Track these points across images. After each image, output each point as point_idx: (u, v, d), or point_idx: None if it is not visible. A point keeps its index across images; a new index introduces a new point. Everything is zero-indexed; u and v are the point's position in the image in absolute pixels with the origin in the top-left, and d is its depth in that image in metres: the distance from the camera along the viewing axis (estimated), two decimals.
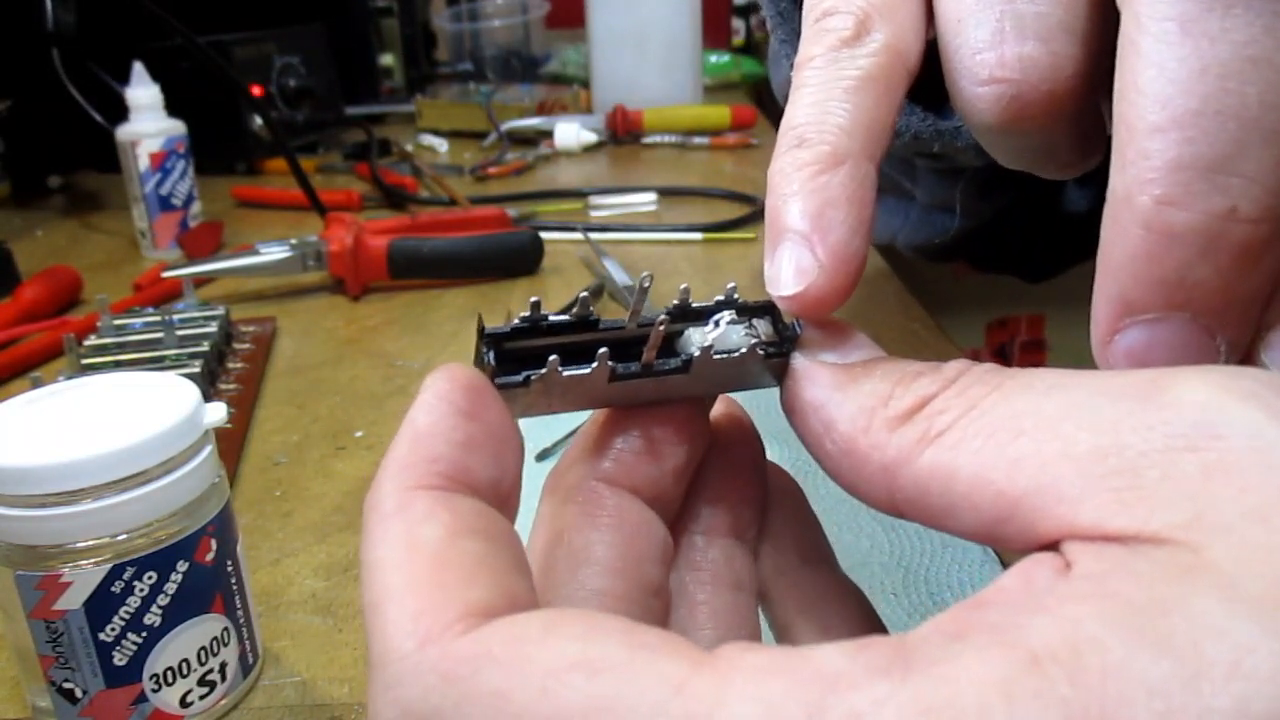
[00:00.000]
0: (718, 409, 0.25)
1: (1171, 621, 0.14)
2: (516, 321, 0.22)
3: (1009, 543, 0.18)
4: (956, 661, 0.14)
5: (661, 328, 0.21)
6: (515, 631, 0.16)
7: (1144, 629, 0.14)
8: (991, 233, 0.51)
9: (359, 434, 0.56)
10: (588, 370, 0.21)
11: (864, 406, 0.20)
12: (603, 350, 0.21)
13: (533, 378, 0.21)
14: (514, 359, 0.21)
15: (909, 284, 0.73)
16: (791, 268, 0.22)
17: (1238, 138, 0.19)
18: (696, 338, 0.23)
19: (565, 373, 0.21)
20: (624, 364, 0.22)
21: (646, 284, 0.22)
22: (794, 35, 0.36)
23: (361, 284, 0.78)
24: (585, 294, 0.23)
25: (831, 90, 0.24)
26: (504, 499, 0.19)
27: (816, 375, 0.22)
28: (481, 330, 0.21)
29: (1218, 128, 0.19)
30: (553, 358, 0.21)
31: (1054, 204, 0.50)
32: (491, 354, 0.21)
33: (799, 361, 0.22)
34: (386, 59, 1.65)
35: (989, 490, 0.18)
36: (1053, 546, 0.17)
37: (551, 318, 0.22)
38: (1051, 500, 0.17)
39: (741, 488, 0.25)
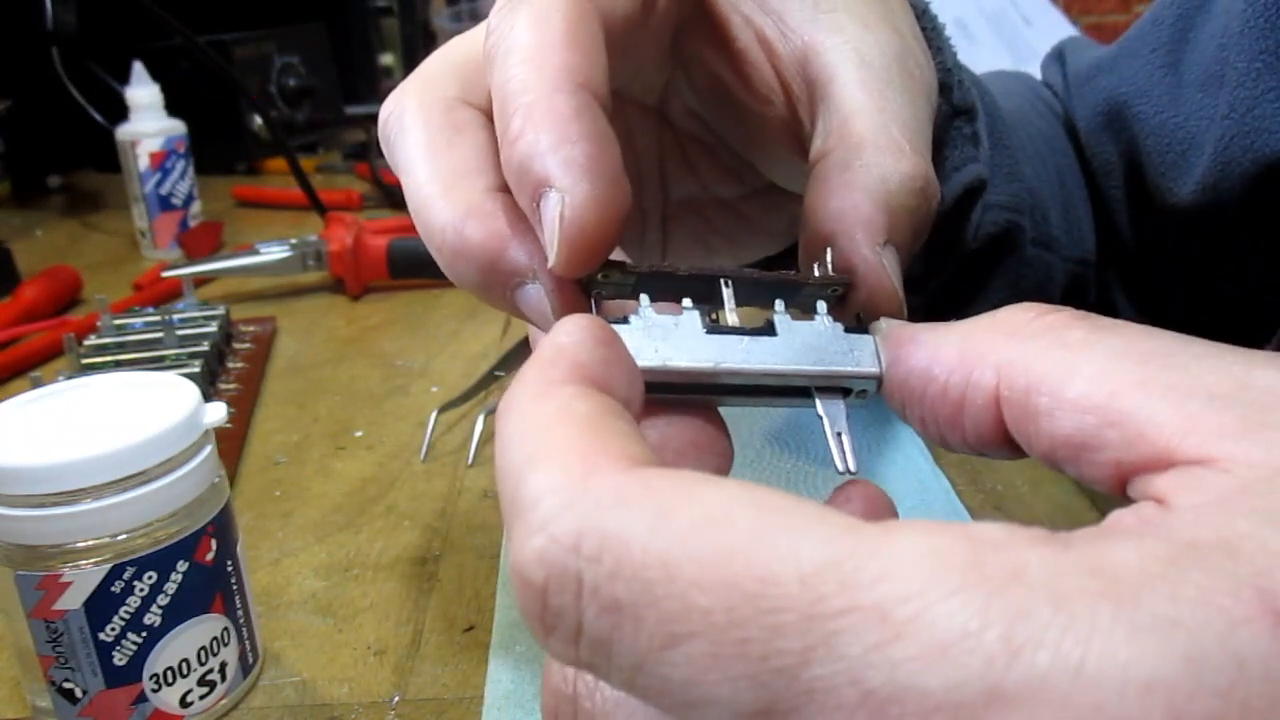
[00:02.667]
0: None
1: None
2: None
3: (1093, 455, 0.18)
4: (1115, 545, 0.15)
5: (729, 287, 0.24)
6: (681, 474, 0.16)
7: None
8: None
9: (359, 434, 0.56)
10: (679, 316, 0.23)
11: (975, 327, 0.21)
12: (687, 301, 0.23)
13: (631, 317, 0.23)
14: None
15: None
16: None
17: None
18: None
19: (658, 314, 0.23)
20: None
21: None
22: None
23: (361, 284, 0.78)
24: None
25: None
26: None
27: (909, 324, 0.23)
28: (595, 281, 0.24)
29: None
30: (644, 296, 0.23)
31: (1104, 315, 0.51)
32: (593, 300, 0.24)
33: (883, 325, 0.23)
34: (386, 59, 1.64)
35: (1101, 395, 0.18)
36: (1124, 476, 0.18)
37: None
38: (1167, 419, 0.17)
39: None
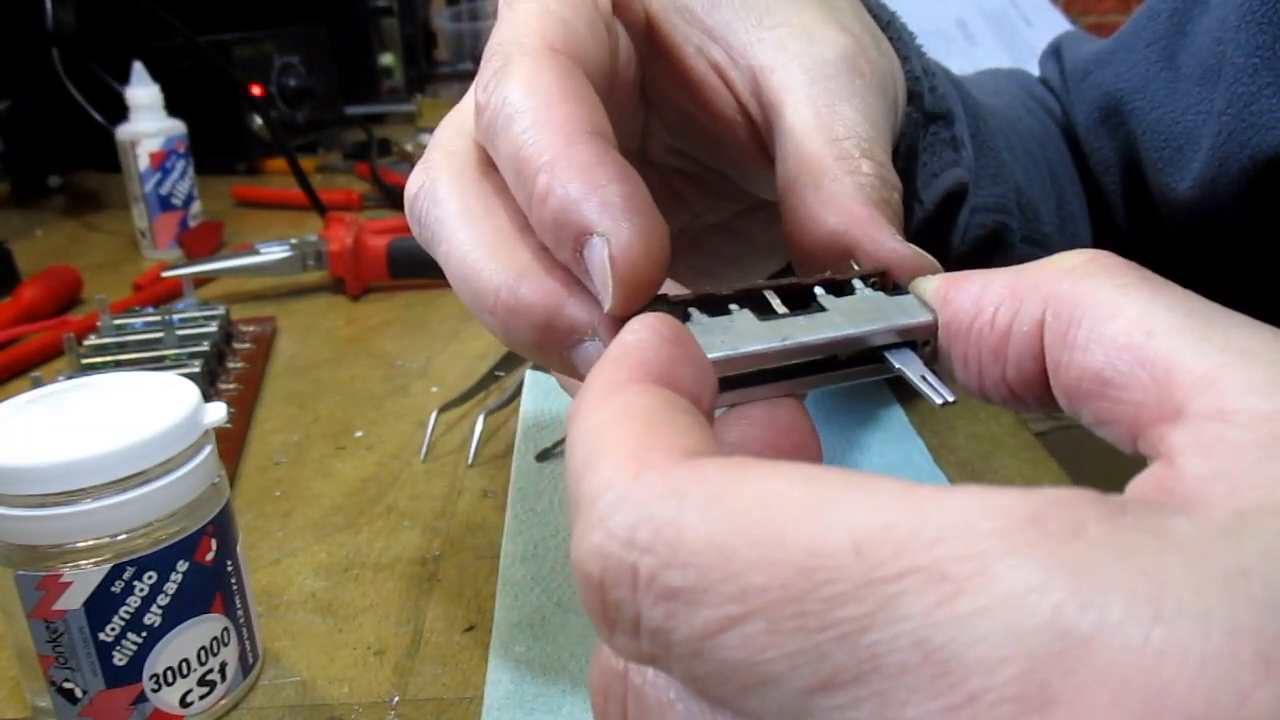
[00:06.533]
0: None
1: None
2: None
3: (1117, 394, 0.18)
4: (1167, 513, 0.15)
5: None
6: (733, 460, 0.17)
7: None
8: None
9: (359, 434, 0.56)
10: (732, 315, 0.24)
11: (1027, 265, 0.21)
12: (734, 306, 0.24)
13: (687, 323, 0.23)
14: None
15: None
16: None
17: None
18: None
19: (711, 317, 0.24)
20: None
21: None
22: None
23: (361, 284, 0.78)
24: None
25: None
26: (704, 417, 0.20)
27: (958, 273, 0.23)
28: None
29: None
30: (693, 309, 0.24)
31: None
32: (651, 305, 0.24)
33: (933, 276, 0.24)
34: (386, 59, 1.64)
35: (1139, 335, 0.18)
36: (1140, 425, 0.18)
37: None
38: (1196, 364, 0.17)
39: None
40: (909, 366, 0.24)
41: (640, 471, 0.16)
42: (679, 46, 0.31)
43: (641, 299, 0.23)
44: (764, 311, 0.24)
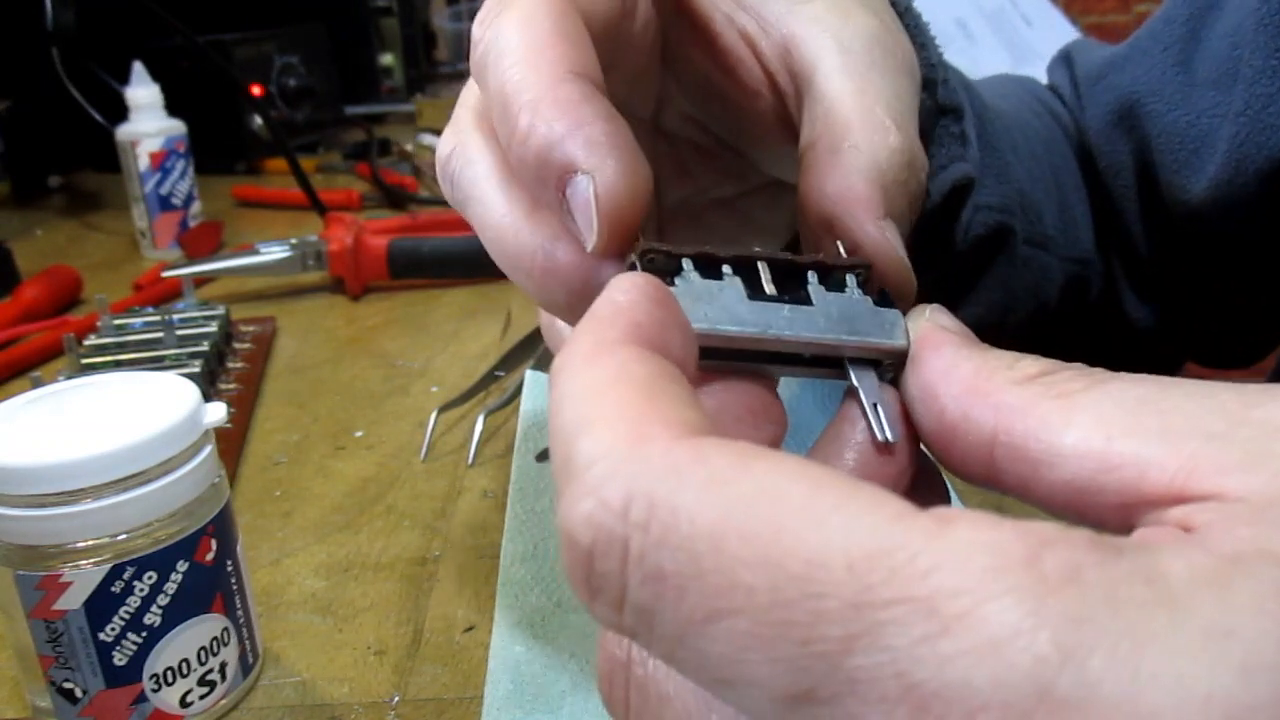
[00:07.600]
0: None
1: None
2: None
3: (1094, 499, 0.18)
4: (1163, 555, 0.14)
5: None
6: (736, 445, 0.16)
7: None
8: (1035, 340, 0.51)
9: (359, 434, 0.56)
10: (721, 281, 0.23)
11: (990, 361, 0.21)
12: (727, 269, 0.23)
13: (677, 279, 0.23)
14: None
15: None
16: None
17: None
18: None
19: (701, 279, 0.23)
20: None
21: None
22: None
23: (361, 284, 0.78)
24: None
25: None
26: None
27: (946, 329, 0.23)
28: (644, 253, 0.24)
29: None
30: (687, 261, 0.23)
31: (1114, 317, 0.51)
32: (636, 261, 0.23)
33: (927, 315, 0.23)
34: (386, 59, 1.64)
35: (1098, 441, 0.18)
36: (1130, 517, 0.17)
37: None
38: (1167, 460, 0.17)
39: None
40: (866, 390, 0.24)
41: (639, 442, 0.16)
42: (708, 12, 0.31)
43: (626, 239, 0.23)
44: (753, 284, 0.24)
